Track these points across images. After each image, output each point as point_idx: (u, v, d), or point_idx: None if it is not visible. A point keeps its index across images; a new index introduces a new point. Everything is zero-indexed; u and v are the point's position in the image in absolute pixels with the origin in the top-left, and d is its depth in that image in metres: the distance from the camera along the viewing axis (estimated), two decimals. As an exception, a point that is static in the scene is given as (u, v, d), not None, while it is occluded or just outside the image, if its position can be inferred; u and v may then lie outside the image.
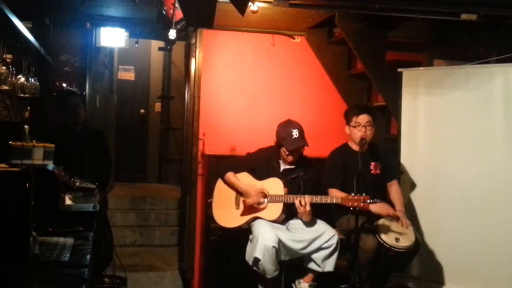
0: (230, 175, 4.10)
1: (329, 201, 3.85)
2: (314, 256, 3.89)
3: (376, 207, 3.90)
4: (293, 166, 4.06)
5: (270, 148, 4.15)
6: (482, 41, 4.61)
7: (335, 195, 3.88)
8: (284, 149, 3.97)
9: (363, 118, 4.04)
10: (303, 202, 3.78)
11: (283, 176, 4.01)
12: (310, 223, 3.97)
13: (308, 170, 4.07)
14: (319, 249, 3.86)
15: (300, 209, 3.80)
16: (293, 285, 4.05)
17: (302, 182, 4.02)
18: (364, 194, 3.67)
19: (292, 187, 3.99)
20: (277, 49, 5.37)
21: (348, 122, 4.14)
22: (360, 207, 3.66)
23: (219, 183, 4.20)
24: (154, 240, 6.37)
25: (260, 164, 4.10)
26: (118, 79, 7.74)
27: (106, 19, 5.37)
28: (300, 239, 3.86)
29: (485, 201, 4.05)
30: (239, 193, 4.07)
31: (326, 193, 4.01)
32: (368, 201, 3.63)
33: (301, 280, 4.00)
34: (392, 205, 4.08)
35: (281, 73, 5.43)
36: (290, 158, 3.99)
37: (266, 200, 3.98)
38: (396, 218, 3.92)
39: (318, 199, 3.83)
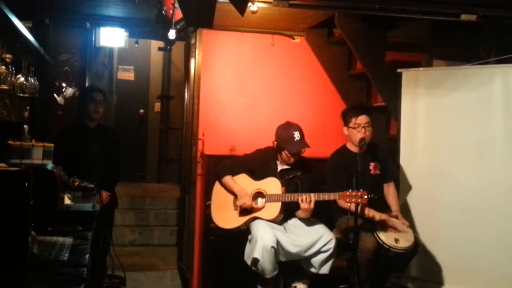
0: (227, 178, 4.10)
1: (326, 198, 3.85)
2: (311, 259, 3.90)
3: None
4: (289, 166, 4.06)
5: (267, 148, 4.15)
6: (481, 42, 4.61)
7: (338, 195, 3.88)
8: (286, 151, 3.96)
9: (362, 119, 4.02)
10: (308, 199, 3.78)
11: (281, 176, 4.01)
12: (308, 222, 3.97)
13: (305, 169, 4.07)
14: (317, 252, 3.86)
15: (305, 205, 3.80)
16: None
17: (300, 181, 4.02)
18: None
19: (290, 186, 3.99)
20: (277, 49, 5.36)
21: (346, 123, 4.10)
22: (358, 203, 3.66)
23: (217, 185, 4.21)
24: (153, 240, 6.37)
25: (258, 165, 4.10)
26: (118, 79, 7.75)
27: (105, 19, 5.38)
28: (298, 243, 3.85)
29: (484, 202, 4.05)
30: (235, 195, 4.08)
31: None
32: (366, 196, 3.62)
33: (297, 285, 4.01)
34: (388, 206, 4.10)
35: (280, 73, 5.42)
36: (292, 160, 3.98)
37: (264, 199, 3.98)
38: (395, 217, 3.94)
39: (316, 196, 3.83)
